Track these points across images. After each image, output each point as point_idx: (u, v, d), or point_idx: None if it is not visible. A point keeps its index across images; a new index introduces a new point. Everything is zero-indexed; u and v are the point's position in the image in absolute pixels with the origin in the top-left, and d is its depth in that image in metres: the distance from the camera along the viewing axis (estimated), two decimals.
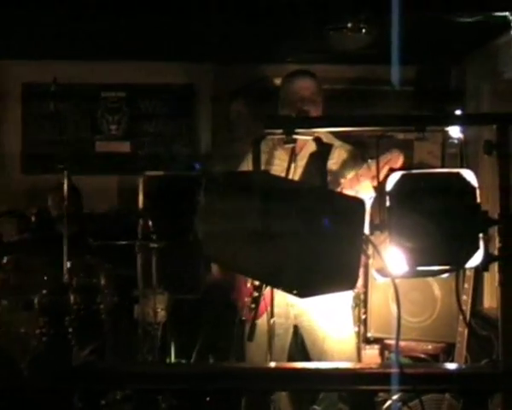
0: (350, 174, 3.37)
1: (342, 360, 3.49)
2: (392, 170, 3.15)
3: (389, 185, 1.98)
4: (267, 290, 3.18)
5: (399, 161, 3.12)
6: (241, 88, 5.47)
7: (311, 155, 3.41)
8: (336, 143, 3.54)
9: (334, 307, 3.50)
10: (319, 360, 3.52)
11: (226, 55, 5.52)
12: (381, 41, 4.02)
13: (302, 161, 3.47)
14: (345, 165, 3.52)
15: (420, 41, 4.59)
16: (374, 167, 2.96)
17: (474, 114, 1.85)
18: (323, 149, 1.86)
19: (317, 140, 1.90)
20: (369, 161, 3.09)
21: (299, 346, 3.88)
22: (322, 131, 3.51)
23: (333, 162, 3.48)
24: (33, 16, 4.49)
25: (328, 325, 3.54)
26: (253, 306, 3.14)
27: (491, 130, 2.05)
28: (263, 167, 3.25)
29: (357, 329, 4.20)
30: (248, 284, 3.43)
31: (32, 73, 5.83)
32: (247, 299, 3.35)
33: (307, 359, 3.65)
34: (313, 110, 3.46)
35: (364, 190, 3.14)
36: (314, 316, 3.57)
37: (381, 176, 3.09)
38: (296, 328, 3.70)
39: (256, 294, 3.18)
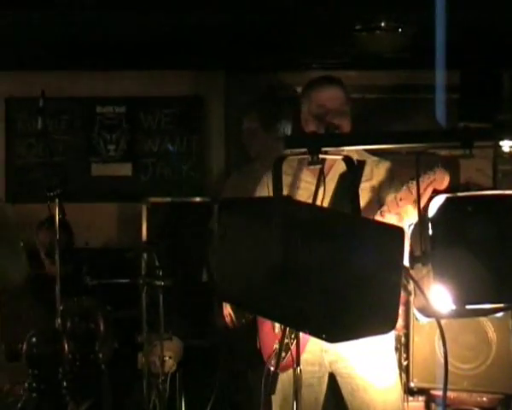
0: (388, 197, 3.37)
1: None
2: (436, 192, 3.17)
3: (432, 211, 1.98)
4: (302, 336, 3.18)
5: (445, 181, 3.12)
6: (252, 100, 5.43)
7: (342, 177, 3.42)
8: (370, 159, 3.55)
9: (375, 351, 3.49)
10: None
11: (239, 62, 5.54)
12: (419, 43, 4.05)
13: (331, 183, 3.48)
14: (381, 185, 3.52)
15: (465, 42, 4.61)
16: (415, 190, 2.98)
17: None
18: (355, 170, 1.87)
19: (348, 160, 1.91)
20: (410, 182, 3.10)
21: (337, 397, 3.86)
22: (352, 149, 3.55)
23: (366, 181, 3.49)
24: (16, 19, 4.45)
25: (370, 372, 3.52)
26: (281, 354, 3.13)
27: None
28: (286, 192, 3.26)
29: None
30: (277, 330, 3.44)
31: (17, 86, 5.88)
32: (275, 346, 3.35)
33: None
34: (344, 124, 3.47)
35: (406, 216, 3.15)
36: (352, 362, 3.55)
37: (424, 199, 3.11)
38: (332, 376, 3.68)
39: (286, 341, 3.18)
